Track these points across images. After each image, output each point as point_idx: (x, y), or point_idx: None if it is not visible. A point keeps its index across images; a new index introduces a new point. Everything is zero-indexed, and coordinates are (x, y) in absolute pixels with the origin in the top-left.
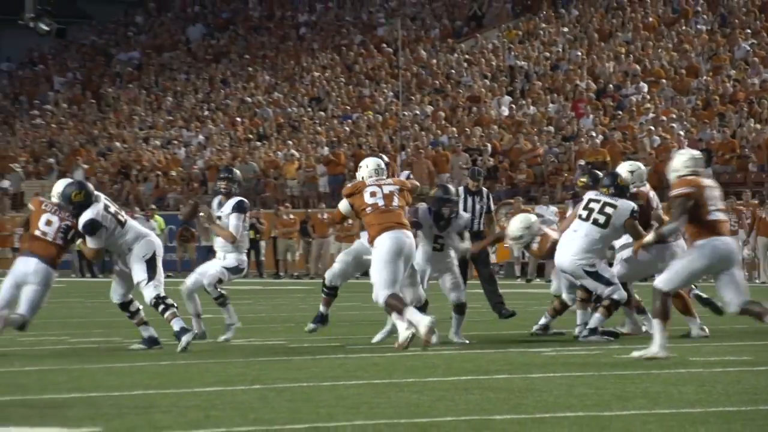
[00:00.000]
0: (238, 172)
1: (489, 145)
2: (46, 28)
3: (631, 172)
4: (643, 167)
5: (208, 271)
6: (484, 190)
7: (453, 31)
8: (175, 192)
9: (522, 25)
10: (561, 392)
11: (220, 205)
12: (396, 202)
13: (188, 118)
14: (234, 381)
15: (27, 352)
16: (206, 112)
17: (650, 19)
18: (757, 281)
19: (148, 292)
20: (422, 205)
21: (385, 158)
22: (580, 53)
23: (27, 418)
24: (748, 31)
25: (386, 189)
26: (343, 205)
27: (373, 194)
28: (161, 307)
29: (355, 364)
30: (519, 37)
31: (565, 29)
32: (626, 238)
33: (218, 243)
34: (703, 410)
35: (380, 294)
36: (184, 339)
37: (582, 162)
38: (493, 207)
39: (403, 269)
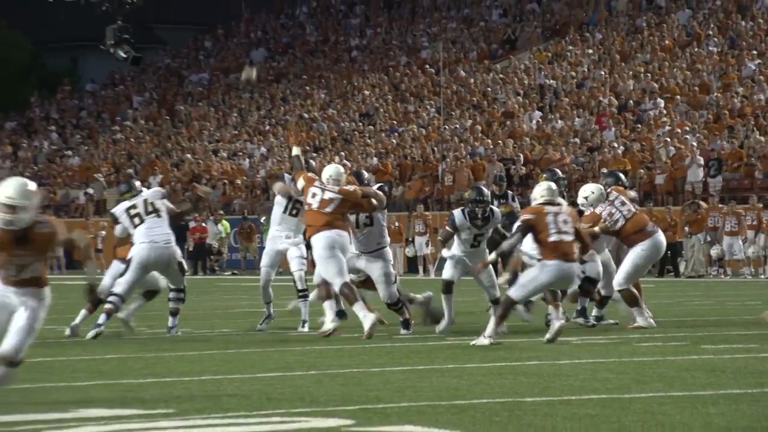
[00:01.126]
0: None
1: (521, 155)
2: (123, 54)
3: (585, 198)
4: (598, 191)
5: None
6: (509, 192)
7: (489, 54)
8: (240, 198)
9: (551, 47)
10: (586, 376)
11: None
12: (330, 209)
13: (252, 133)
14: (293, 367)
15: (107, 341)
16: (267, 127)
17: (666, 41)
18: (762, 277)
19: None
20: (456, 212)
21: (345, 168)
22: (603, 72)
23: (108, 401)
24: (755, 52)
25: (326, 195)
26: (300, 185)
27: (313, 195)
28: (108, 299)
29: (401, 352)
30: (548, 59)
31: (590, 51)
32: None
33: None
34: (714, 393)
35: (336, 283)
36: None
37: (605, 170)
38: (517, 206)
39: (344, 260)
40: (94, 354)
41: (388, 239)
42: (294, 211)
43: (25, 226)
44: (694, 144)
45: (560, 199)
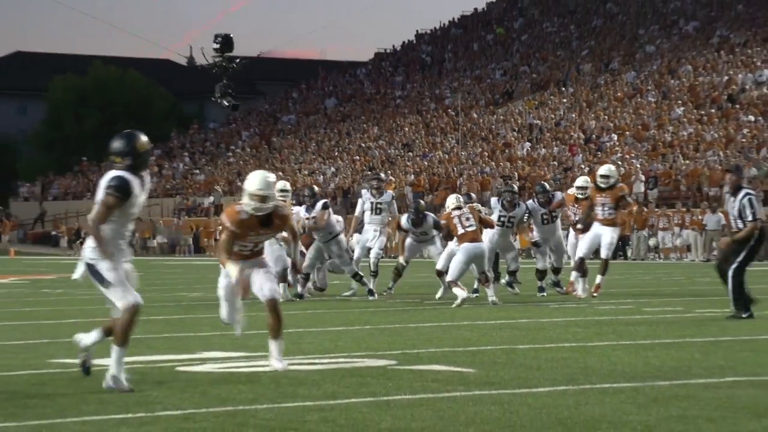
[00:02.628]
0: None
1: (516, 173)
2: (226, 103)
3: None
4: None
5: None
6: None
7: (493, 101)
8: None
9: (537, 97)
10: (560, 330)
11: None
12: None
13: (325, 157)
14: (353, 323)
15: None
16: (336, 153)
17: (618, 93)
18: (686, 260)
19: None
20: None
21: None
22: (574, 115)
23: (222, 346)
24: (680, 102)
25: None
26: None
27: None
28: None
29: (429, 313)
30: (535, 105)
31: (565, 100)
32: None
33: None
34: (651, 342)
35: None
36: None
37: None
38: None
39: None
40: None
41: (338, 229)
42: (378, 211)
43: (269, 211)
44: (638, 166)
45: (462, 202)
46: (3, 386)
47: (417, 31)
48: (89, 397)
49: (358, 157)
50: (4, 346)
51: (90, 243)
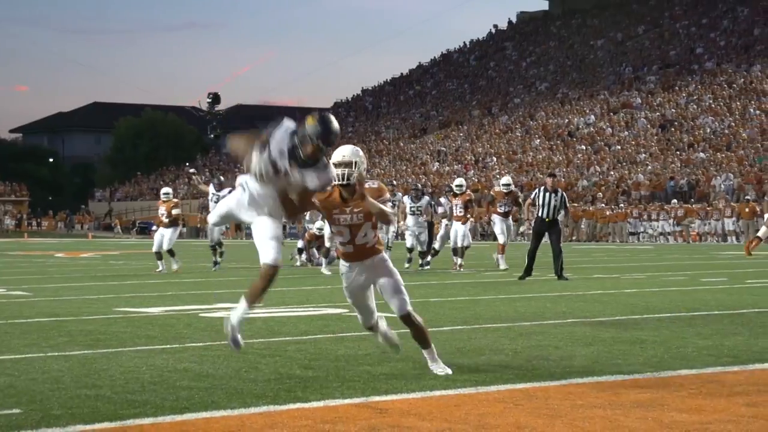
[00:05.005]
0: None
1: (429, 183)
2: (212, 136)
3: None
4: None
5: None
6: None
7: (414, 134)
8: None
9: (443, 132)
10: (458, 289)
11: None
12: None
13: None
14: (320, 284)
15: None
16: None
17: (496, 130)
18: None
19: None
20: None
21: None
22: (468, 144)
23: (235, 298)
24: (536, 136)
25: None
26: None
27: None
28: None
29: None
30: (442, 137)
31: (461, 134)
32: None
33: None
34: (519, 296)
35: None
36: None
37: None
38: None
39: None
40: (234, 276)
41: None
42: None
43: (352, 182)
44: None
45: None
46: (82, 326)
47: (362, 87)
48: (140, 333)
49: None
50: (84, 299)
51: None
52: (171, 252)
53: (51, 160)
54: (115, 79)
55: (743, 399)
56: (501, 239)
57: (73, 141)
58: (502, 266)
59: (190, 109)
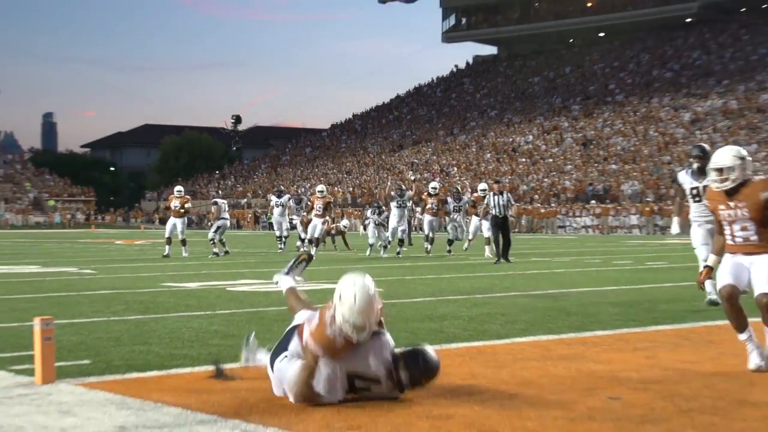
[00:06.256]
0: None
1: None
2: (234, 148)
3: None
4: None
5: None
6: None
7: (393, 150)
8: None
9: (416, 148)
10: (427, 269)
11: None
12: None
13: (304, 179)
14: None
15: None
16: (312, 176)
17: (457, 147)
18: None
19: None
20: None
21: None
22: (435, 157)
23: (257, 275)
24: (488, 151)
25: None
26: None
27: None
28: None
29: (369, 261)
30: (415, 152)
31: (430, 150)
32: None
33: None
34: (473, 274)
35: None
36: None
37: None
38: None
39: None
40: (253, 259)
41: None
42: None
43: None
44: (467, 184)
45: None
46: (136, 297)
47: (353, 113)
48: (181, 303)
49: (323, 178)
50: (137, 276)
51: None
52: (183, 242)
53: (112, 169)
54: (162, 106)
55: (644, 353)
56: (486, 234)
57: (129, 154)
58: (487, 254)
59: (219, 129)
